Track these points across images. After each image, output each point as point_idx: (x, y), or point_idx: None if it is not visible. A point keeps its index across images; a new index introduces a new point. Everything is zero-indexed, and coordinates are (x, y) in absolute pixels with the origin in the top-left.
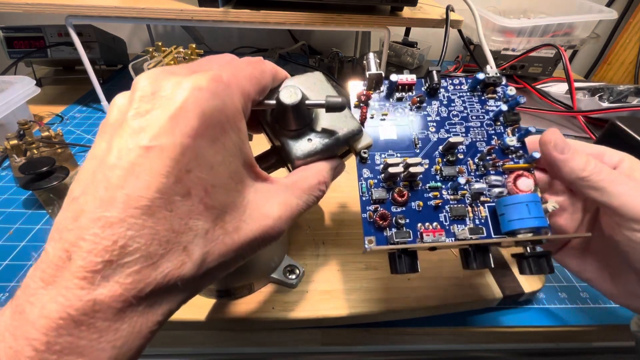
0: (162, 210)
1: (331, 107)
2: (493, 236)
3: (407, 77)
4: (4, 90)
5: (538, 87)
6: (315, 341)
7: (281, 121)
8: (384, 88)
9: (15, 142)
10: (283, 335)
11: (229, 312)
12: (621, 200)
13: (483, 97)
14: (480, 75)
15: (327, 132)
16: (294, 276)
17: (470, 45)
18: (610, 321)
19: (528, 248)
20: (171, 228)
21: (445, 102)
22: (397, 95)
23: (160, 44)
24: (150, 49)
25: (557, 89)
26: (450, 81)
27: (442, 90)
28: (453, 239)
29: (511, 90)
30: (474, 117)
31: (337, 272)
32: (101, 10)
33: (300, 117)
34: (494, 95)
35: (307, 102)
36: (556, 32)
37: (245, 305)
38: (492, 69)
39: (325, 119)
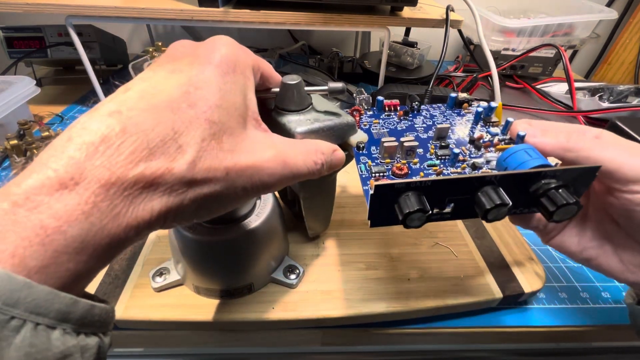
0: (167, 110)
1: (333, 91)
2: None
3: (392, 101)
4: (4, 90)
5: (538, 87)
6: (315, 341)
7: (284, 103)
8: (373, 109)
9: (15, 142)
10: (283, 335)
11: (229, 312)
12: (616, 164)
13: (462, 113)
14: (453, 94)
15: (325, 117)
16: (294, 276)
17: (470, 45)
18: (610, 321)
19: (540, 189)
20: (172, 127)
21: (428, 117)
22: (386, 113)
23: (160, 44)
24: (150, 49)
25: (557, 89)
26: (431, 106)
27: (423, 111)
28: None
29: (479, 108)
30: (457, 123)
31: (337, 272)
32: (101, 10)
33: (300, 98)
34: (470, 110)
35: (311, 87)
36: (556, 32)
37: (245, 305)
38: (461, 94)
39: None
